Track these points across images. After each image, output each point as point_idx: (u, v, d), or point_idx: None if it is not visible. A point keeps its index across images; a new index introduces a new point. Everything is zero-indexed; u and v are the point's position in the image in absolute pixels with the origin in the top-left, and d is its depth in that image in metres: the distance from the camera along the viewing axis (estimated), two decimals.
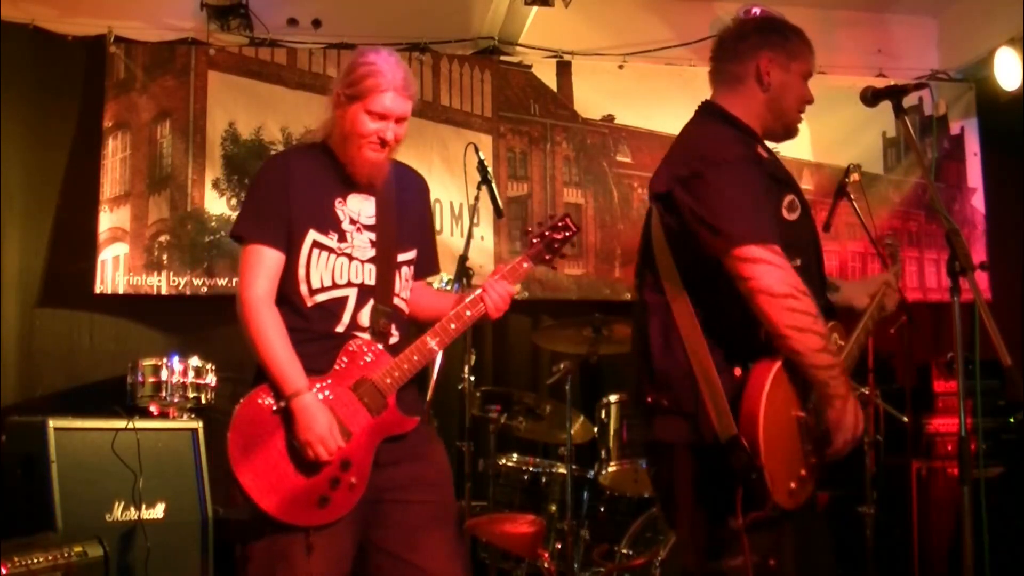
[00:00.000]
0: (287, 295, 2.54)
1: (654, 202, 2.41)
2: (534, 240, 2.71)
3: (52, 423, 3.98)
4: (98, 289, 5.21)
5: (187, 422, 4.46)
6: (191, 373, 4.60)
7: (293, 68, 5.50)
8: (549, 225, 2.72)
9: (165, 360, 4.57)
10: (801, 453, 2.30)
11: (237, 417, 2.46)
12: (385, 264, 2.61)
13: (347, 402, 2.51)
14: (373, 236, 2.61)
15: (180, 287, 5.28)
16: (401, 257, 2.67)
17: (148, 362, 4.58)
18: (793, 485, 2.25)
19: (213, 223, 5.35)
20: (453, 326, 2.59)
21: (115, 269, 5.24)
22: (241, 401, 2.49)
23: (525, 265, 2.68)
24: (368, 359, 2.54)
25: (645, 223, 2.53)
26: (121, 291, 5.24)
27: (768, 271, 2.18)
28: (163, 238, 5.31)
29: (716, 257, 2.25)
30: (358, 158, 2.56)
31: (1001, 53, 5.75)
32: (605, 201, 5.75)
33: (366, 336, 2.56)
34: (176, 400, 4.54)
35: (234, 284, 5.26)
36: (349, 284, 2.56)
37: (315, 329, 2.53)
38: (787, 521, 2.26)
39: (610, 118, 5.83)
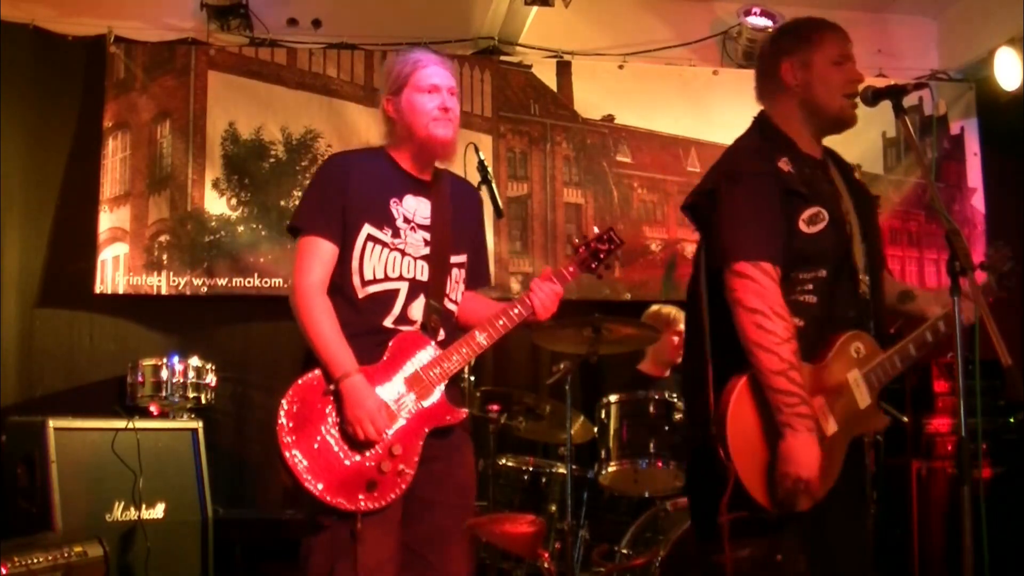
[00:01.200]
0: (341, 286, 2.60)
1: (685, 214, 2.56)
2: (580, 249, 2.80)
3: (52, 423, 3.99)
4: (98, 289, 5.21)
5: (187, 422, 4.46)
6: (191, 373, 4.61)
7: (293, 68, 5.49)
8: (595, 236, 2.82)
9: (165, 360, 4.58)
10: None
11: (288, 400, 2.50)
12: (437, 263, 2.67)
13: (396, 390, 2.56)
14: (427, 236, 2.67)
15: (180, 287, 5.27)
16: (453, 259, 2.73)
17: (148, 362, 4.59)
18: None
19: (213, 223, 5.34)
20: (501, 322, 2.66)
21: (115, 269, 5.24)
22: (293, 384, 2.53)
23: (571, 269, 2.79)
24: (417, 351, 2.60)
25: None
26: (121, 291, 5.23)
27: (749, 287, 2.28)
28: (163, 238, 5.31)
29: (720, 269, 2.37)
30: (429, 139, 2.63)
31: (1001, 53, 5.74)
32: (605, 201, 5.75)
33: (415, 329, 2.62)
34: (176, 400, 4.55)
35: (233, 284, 5.28)
36: (401, 278, 2.62)
37: (366, 322, 2.59)
38: (793, 521, 2.27)
39: (610, 118, 5.82)
